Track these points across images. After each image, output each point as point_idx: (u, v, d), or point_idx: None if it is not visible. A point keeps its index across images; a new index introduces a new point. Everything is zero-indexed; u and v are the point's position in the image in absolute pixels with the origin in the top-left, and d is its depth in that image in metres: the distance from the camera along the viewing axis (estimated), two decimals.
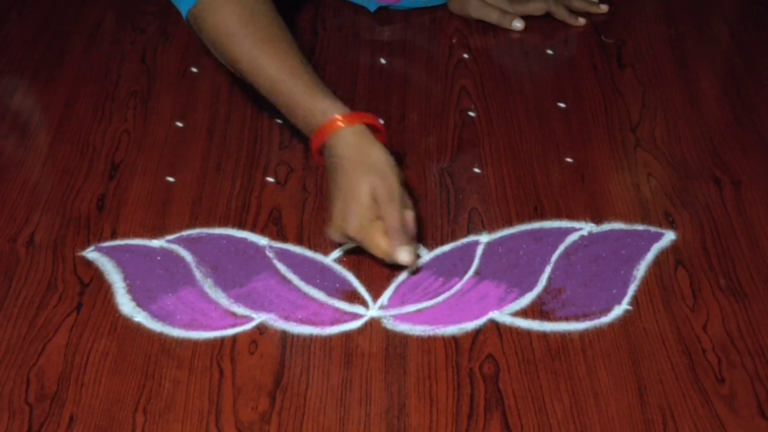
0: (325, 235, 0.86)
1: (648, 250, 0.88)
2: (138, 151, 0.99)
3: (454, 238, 0.90)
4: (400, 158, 0.84)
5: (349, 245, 0.88)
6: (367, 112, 0.84)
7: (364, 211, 0.81)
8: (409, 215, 0.82)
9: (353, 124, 0.83)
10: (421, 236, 0.90)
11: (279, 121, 1.03)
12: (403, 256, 0.80)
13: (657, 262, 0.87)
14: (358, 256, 0.87)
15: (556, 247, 0.88)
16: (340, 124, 0.82)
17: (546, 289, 0.85)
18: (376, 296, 0.85)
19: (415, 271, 0.86)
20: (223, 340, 0.81)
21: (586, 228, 0.90)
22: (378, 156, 0.82)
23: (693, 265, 0.86)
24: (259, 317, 0.83)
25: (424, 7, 1.18)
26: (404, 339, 0.81)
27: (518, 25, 1.15)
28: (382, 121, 0.86)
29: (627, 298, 0.84)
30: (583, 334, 0.81)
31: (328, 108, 0.84)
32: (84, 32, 1.16)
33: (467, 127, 1.02)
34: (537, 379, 0.77)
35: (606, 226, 0.90)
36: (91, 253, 0.88)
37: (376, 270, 0.87)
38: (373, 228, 0.81)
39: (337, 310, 0.84)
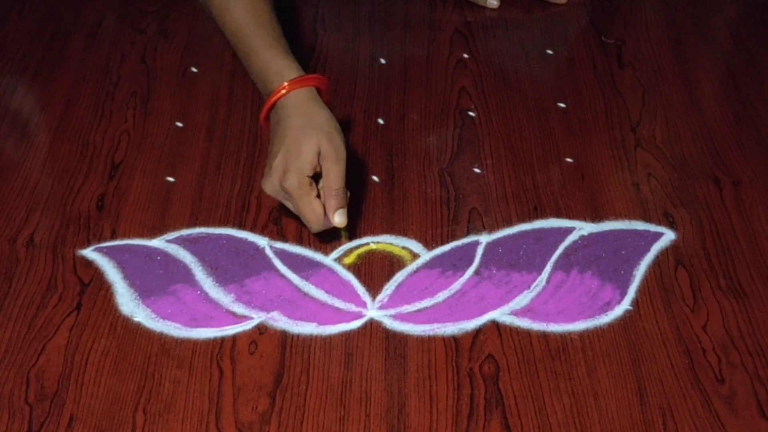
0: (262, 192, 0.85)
1: (648, 250, 0.88)
2: (138, 151, 0.99)
3: (454, 238, 0.90)
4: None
5: (352, 245, 0.88)
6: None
7: (306, 167, 0.80)
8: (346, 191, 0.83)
9: (302, 87, 0.83)
10: (420, 234, 0.90)
11: None
12: (338, 218, 0.81)
13: (657, 262, 0.87)
14: (289, 218, 0.87)
15: (556, 247, 0.88)
16: (286, 90, 0.83)
17: (546, 289, 0.85)
18: (376, 296, 0.85)
19: (415, 271, 0.87)
20: (223, 340, 0.81)
21: (586, 228, 0.90)
22: (325, 116, 0.83)
23: (693, 265, 0.86)
24: (259, 317, 0.83)
25: None
26: (404, 339, 0.81)
27: (494, 2, 1.17)
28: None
29: (627, 298, 0.84)
30: (583, 334, 0.81)
31: (283, 66, 0.84)
32: (84, 32, 1.16)
33: (467, 127, 1.02)
34: (537, 379, 0.77)
35: (606, 226, 0.90)
36: (91, 253, 0.88)
37: (376, 270, 0.87)
38: (311, 188, 0.81)
39: (337, 310, 0.84)
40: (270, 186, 0.82)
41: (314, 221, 0.81)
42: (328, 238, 0.88)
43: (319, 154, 0.81)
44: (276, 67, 0.85)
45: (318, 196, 0.82)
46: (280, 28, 0.89)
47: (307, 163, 0.80)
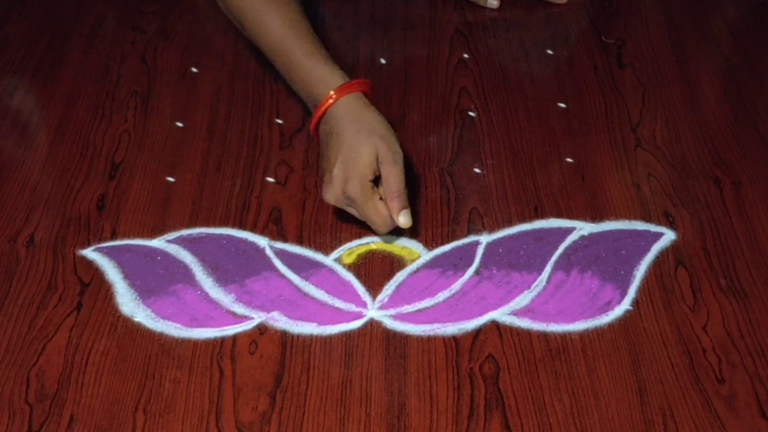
0: (322, 200, 0.85)
1: (648, 250, 0.88)
2: (138, 151, 0.99)
3: (454, 238, 0.90)
4: (394, 125, 0.85)
5: (353, 245, 0.88)
6: None
7: (366, 173, 0.80)
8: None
9: (350, 94, 0.83)
10: (420, 234, 0.90)
11: (279, 121, 1.03)
12: (403, 218, 0.81)
13: (657, 262, 0.87)
14: (326, 219, 0.87)
15: (556, 247, 0.88)
16: (332, 100, 0.83)
17: (546, 289, 0.85)
18: (376, 296, 0.85)
19: (415, 271, 0.87)
20: (223, 340, 0.81)
21: (586, 228, 0.90)
22: (378, 119, 0.83)
23: (693, 265, 0.86)
24: (259, 317, 0.83)
25: None
26: (404, 339, 0.81)
27: (494, 2, 1.17)
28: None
29: (627, 298, 0.84)
30: (583, 334, 0.81)
31: (328, 75, 0.84)
32: (84, 32, 1.16)
33: (467, 127, 1.02)
34: (537, 379, 0.77)
35: (606, 226, 0.90)
36: (91, 253, 0.88)
37: (376, 270, 0.87)
38: (375, 193, 0.82)
39: (337, 310, 0.84)
40: (332, 195, 0.82)
41: (381, 224, 0.82)
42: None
43: (377, 158, 0.81)
44: (319, 76, 0.85)
45: (381, 198, 0.83)
46: (318, 37, 0.89)
47: (367, 168, 0.80)
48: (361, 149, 0.80)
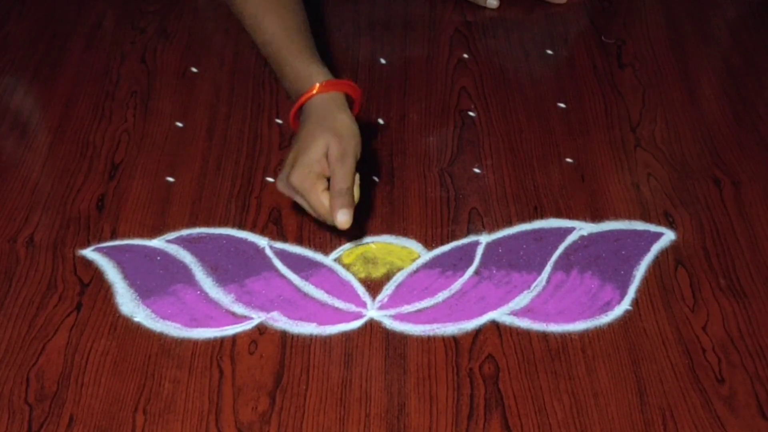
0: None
1: (648, 250, 0.88)
2: (138, 151, 0.99)
3: (454, 238, 0.90)
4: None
5: (353, 245, 0.88)
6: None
7: (312, 164, 0.80)
8: (356, 188, 0.81)
9: (329, 92, 0.83)
10: (420, 234, 0.90)
11: (279, 121, 1.03)
12: (341, 217, 0.78)
13: (657, 262, 0.87)
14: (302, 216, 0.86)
15: (556, 247, 0.88)
16: (314, 92, 0.83)
17: (546, 289, 0.85)
18: (375, 296, 0.85)
19: (415, 271, 0.87)
20: (223, 340, 0.81)
21: (586, 228, 0.90)
22: (342, 119, 0.82)
23: (693, 265, 0.86)
24: (259, 317, 0.83)
25: None
26: (404, 339, 0.81)
27: (494, 2, 1.17)
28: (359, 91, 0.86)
29: (627, 298, 0.84)
30: (583, 334, 0.81)
31: (315, 73, 0.84)
32: (84, 32, 1.16)
33: (467, 127, 1.02)
34: (537, 379, 0.77)
35: (606, 226, 0.90)
36: (91, 253, 0.88)
37: None
38: (317, 183, 0.80)
39: (337, 310, 0.84)
40: (280, 182, 0.82)
41: (323, 214, 0.80)
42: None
43: (326, 154, 0.80)
44: (307, 73, 0.85)
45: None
46: (313, 39, 0.89)
47: (313, 161, 0.80)
48: (312, 142, 0.80)
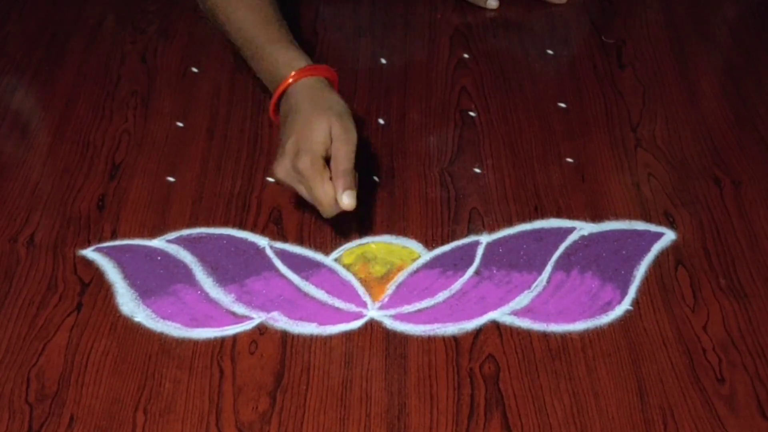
0: (271, 175, 0.82)
1: (648, 250, 0.88)
2: (138, 150, 0.99)
3: (454, 238, 0.90)
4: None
5: (353, 245, 0.88)
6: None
7: (319, 148, 0.79)
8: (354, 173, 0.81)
9: (313, 76, 0.83)
10: (420, 234, 0.90)
11: None
12: (346, 199, 0.77)
13: (657, 262, 0.87)
14: (343, 221, 0.87)
15: (556, 247, 0.88)
16: (294, 77, 0.83)
17: (546, 289, 0.85)
18: (376, 296, 0.85)
19: (416, 271, 0.87)
20: (223, 340, 0.81)
21: (587, 228, 0.90)
22: (336, 100, 0.82)
23: (693, 265, 0.86)
24: (259, 317, 0.83)
25: None
26: (404, 339, 0.81)
27: (493, 3, 1.17)
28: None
29: (627, 298, 0.84)
30: (583, 334, 0.81)
31: (291, 58, 0.84)
32: (84, 32, 1.16)
33: (467, 127, 1.02)
34: (537, 379, 0.77)
35: (606, 226, 0.90)
36: (91, 253, 0.88)
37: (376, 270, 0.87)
38: (325, 170, 0.79)
39: (337, 310, 0.84)
40: (282, 168, 0.80)
41: (326, 204, 0.79)
42: (337, 223, 0.87)
43: (330, 134, 0.80)
44: (284, 60, 0.85)
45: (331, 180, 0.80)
46: (287, 26, 0.89)
47: (319, 143, 0.79)
48: (315, 124, 0.79)
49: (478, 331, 0.81)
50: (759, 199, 0.93)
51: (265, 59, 0.86)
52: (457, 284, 0.85)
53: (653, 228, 0.90)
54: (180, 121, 1.03)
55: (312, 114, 0.80)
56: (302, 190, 0.80)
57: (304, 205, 0.84)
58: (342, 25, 1.17)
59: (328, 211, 0.80)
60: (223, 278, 0.86)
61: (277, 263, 0.87)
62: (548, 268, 0.86)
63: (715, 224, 0.90)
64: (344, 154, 0.79)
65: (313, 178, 0.79)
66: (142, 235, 0.90)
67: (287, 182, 0.81)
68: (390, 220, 0.91)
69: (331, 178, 0.80)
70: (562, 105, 1.05)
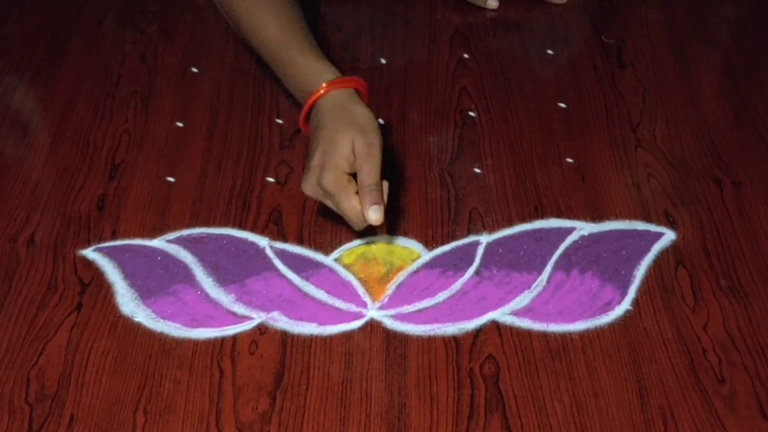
0: (301, 193, 0.82)
1: (648, 250, 0.88)
2: (138, 151, 0.99)
3: (454, 238, 0.90)
4: (387, 130, 0.83)
5: (353, 245, 0.88)
6: None
7: (342, 164, 0.79)
8: (384, 184, 0.80)
9: (340, 88, 0.83)
10: (420, 234, 0.90)
11: (279, 121, 1.03)
12: (373, 215, 0.77)
13: (657, 262, 0.87)
14: (326, 219, 0.86)
15: (556, 247, 0.88)
16: (324, 90, 0.83)
17: (546, 289, 0.85)
18: (376, 296, 0.85)
19: (416, 271, 0.87)
20: (223, 340, 0.81)
21: (587, 228, 0.90)
22: (361, 112, 0.81)
23: (693, 265, 0.86)
24: (259, 317, 0.83)
25: None
26: (404, 339, 0.81)
27: (493, 3, 1.17)
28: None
29: (627, 298, 0.84)
30: (583, 334, 0.81)
31: (320, 70, 0.84)
32: (84, 32, 1.16)
33: (467, 127, 1.02)
34: (537, 379, 0.77)
35: (606, 226, 0.90)
36: (91, 253, 0.88)
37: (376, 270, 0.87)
38: (349, 186, 0.79)
39: (337, 310, 0.84)
40: (309, 186, 0.81)
41: (354, 218, 0.79)
42: (337, 223, 0.87)
43: (353, 150, 0.80)
44: (312, 71, 0.84)
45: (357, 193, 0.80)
46: (311, 35, 0.88)
47: (343, 159, 0.79)
48: (338, 141, 0.79)
49: (478, 331, 0.81)
50: (759, 199, 0.93)
51: (293, 70, 0.85)
52: (457, 284, 0.85)
53: (653, 228, 0.90)
54: (180, 121, 1.03)
55: (336, 130, 0.80)
56: (331, 205, 0.81)
57: (332, 215, 0.84)
58: (342, 25, 1.17)
59: (356, 224, 0.80)
60: (223, 278, 0.86)
61: (277, 263, 0.87)
62: (548, 268, 0.86)
63: (715, 224, 0.90)
64: (367, 171, 0.79)
65: (338, 195, 0.79)
66: (142, 235, 0.90)
67: (317, 198, 0.82)
68: (390, 220, 0.91)
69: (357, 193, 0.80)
70: (562, 105, 1.05)
